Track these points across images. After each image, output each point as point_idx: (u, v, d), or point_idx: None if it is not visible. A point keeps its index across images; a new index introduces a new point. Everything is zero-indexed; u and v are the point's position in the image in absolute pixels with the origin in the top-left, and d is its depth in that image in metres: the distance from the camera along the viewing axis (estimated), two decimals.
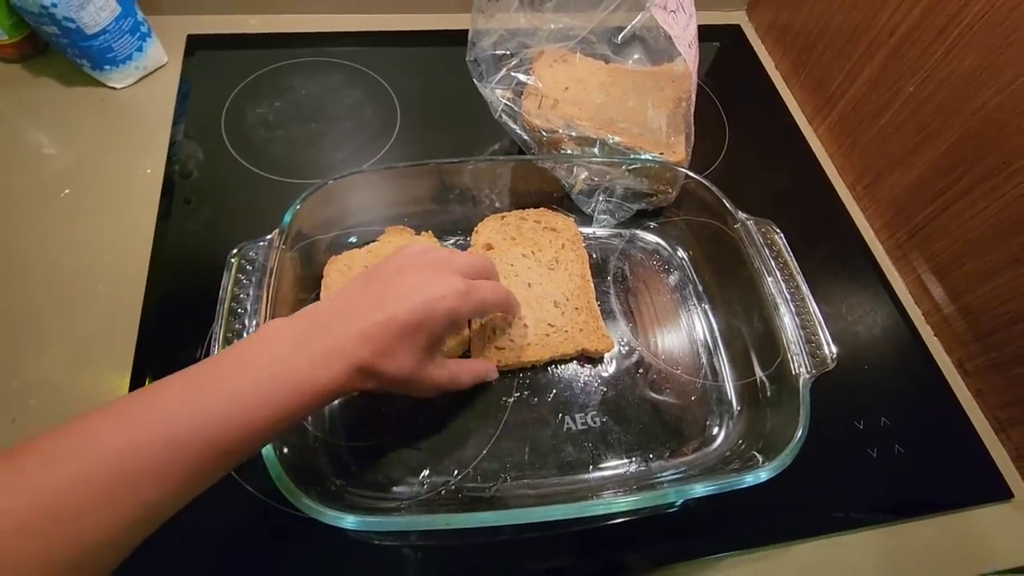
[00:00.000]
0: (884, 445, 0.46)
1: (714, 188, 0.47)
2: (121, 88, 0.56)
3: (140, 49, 0.56)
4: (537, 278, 0.47)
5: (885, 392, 0.49)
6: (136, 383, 0.41)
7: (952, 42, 0.49)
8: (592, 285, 0.48)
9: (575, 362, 0.46)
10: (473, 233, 0.50)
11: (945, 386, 0.50)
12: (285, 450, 0.34)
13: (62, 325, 0.44)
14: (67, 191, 0.50)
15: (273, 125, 0.56)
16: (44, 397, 0.41)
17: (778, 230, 0.45)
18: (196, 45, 0.61)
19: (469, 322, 0.44)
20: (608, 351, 0.45)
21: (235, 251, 0.38)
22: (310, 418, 0.41)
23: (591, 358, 0.46)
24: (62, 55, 0.54)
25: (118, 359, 0.42)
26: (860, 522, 0.43)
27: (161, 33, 0.58)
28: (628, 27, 0.47)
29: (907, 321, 0.53)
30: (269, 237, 0.40)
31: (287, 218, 0.41)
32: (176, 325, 0.44)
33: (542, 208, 0.52)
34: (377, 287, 0.33)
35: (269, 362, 0.28)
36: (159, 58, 0.58)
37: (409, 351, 0.32)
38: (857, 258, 0.57)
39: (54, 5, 0.48)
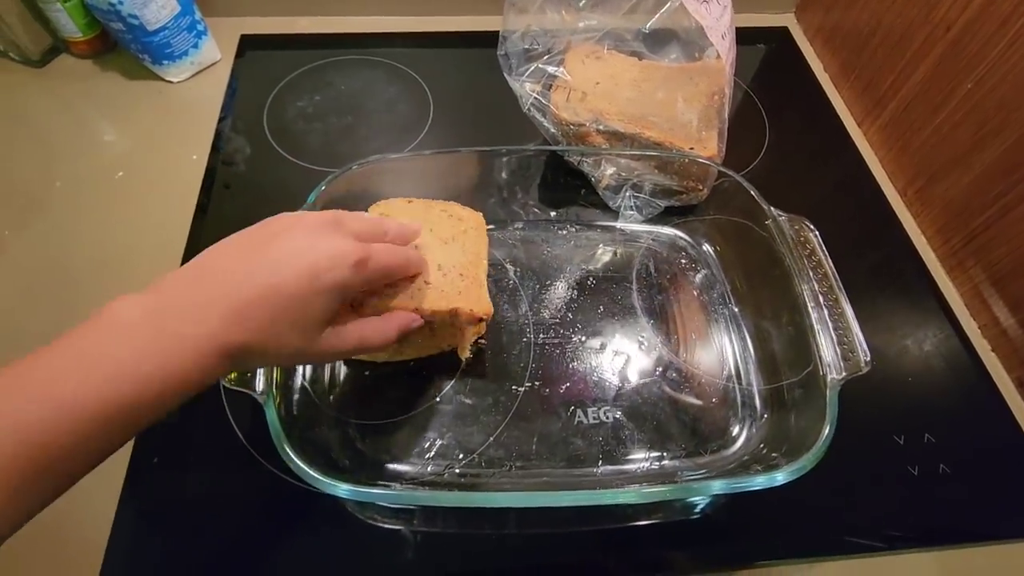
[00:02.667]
0: (927, 464, 0.42)
1: (744, 182, 0.45)
2: (177, 82, 0.60)
3: (196, 46, 0.59)
4: (427, 244, 0.41)
5: (931, 408, 0.45)
6: None
7: (1015, 34, 0.45)
8: (486, 265, 0.42)
9: (592, 355, 0.45)
10: (371, 207, 0.44)
11: (1002, 406, 0.46)
12: (293, 421, 0.35)
13: (104, 296, 0.46)
14: (121, 174, 0.54)
15: (312, 117, 0.59)
16: None
17: (812, 227, 0.43)
18: (248, 45, 0.64)
19: None
20: (487, 315, 0.39)
21: None
22: (320, 392, 0.41)
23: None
24: (127, 51, 0.58)
25: None
26: (895, 544, 0.39)
27: (216, 32, 0.62)
28: (655, 16, 0.46)
29: (961, 335, 0.49)
30: None
31: (311, 198, 0.42)
32: None
33: (452, 201, 0.46)
34: (252, 251, 0.28)
35: (108, 352, 0.24)
36: (213, 55, 0.62)
37: (294, 327, 0.27)
38: (907, 266, 0.53)
39: (120, 2, 0.52)
